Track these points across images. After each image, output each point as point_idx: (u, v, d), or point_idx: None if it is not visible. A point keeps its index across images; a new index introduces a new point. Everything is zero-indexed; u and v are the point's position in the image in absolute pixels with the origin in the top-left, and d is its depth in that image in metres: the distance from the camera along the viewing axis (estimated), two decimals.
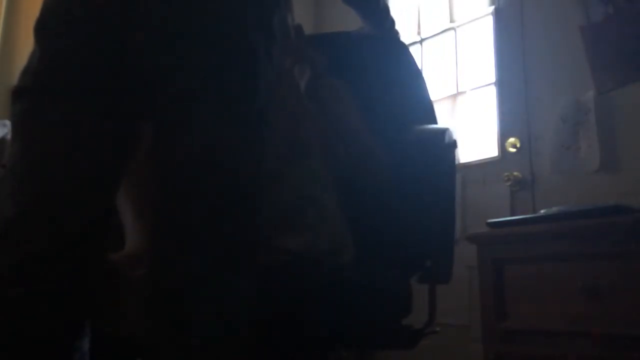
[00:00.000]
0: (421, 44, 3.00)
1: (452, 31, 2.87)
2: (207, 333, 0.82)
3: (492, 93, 2.62)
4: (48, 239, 0.85)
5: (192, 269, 0.84)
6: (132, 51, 0.89)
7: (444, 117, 2.78)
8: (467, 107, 2.74)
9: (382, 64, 1.56)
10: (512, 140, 2.46)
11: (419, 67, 2.91)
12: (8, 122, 2.08)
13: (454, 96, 2.79)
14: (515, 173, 2.42)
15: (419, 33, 3.02)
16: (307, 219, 1.24)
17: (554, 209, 1.86)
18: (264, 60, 0.94)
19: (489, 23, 2.68)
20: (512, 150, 2.46)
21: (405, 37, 3.02)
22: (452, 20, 2.88)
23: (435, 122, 1.52)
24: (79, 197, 0.87)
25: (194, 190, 0.87)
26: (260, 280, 0.91)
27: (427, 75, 2.90)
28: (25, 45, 2.05)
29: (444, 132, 1.41)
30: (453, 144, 1.41)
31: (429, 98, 1.56)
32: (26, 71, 0.92)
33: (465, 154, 2.67)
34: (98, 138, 0.89)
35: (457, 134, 2.60)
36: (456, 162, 2.43)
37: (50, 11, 0.93)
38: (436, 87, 2.89)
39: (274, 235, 1.20)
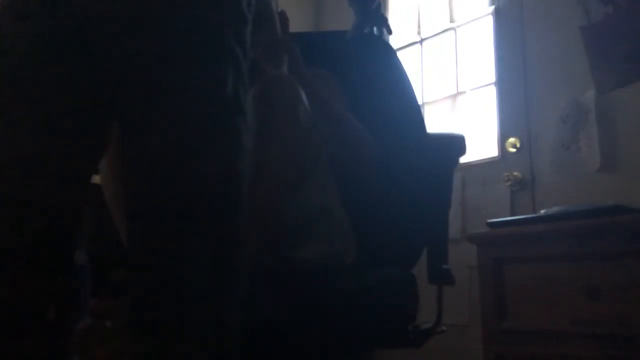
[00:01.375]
0: (421, 44, 3.00)
1: (452, 31, 2.86)
2: (193, 338, 0.79)
3: (492, 93, 2.62)
4: (8, 240, 0.83)
5: (167, 272, 0.81)
6: (94, 49, 0.86)
7: (444, 117, 2.78)
8: (467, 107, 2.74)
9: (371, 66, 1.55)
10: (512, 140, 2.46)
11: (419, 67, 2.94)
12: None
13: (454, 96, 2.79)
14: (515, 173, 2.42)
15: (419, 33, 3.02)
16: (319, 229, 1.24)
17: (554, 209, 1.86)
18: (234, 47, 0.88)
19: (489, 23, 2.68)
20: (512, 150, 2.46)
21: (405, 37, 3.03)
22: (452, 20, 2.88)
23: (424, 126, 1.52)
24: (41, 198, 0.85)
25: (163, 192, 0.83)
26: (277, 289, 0.90)
27: (427, 75, 2.93)
28: None
29: (463, 139, 1.42)
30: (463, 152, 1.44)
31: (417, 102, 1.56)
32: None
33: (466, 154, 2.67)
34: (60, 138, 0.87)
35: None
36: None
37: (7, 10, 0.90)
38: (436, 87, 2.89)
39: (289, 245, 1.20)
